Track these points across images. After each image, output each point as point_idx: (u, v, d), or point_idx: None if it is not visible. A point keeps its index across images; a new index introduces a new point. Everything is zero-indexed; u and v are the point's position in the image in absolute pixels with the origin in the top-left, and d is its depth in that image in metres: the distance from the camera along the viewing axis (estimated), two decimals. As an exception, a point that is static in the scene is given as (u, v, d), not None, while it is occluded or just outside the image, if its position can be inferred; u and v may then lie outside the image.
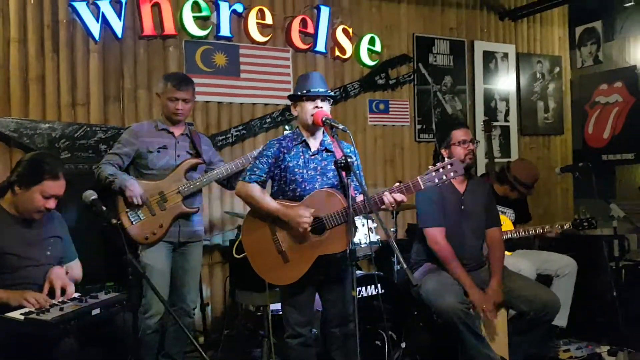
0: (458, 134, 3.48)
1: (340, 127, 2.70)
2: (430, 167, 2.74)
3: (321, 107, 2.84)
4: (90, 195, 2.50)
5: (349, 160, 2.63)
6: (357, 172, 2.75)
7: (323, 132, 2.95)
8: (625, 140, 6.17)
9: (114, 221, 2.44)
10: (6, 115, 3.91)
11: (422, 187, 2.71)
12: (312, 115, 2.83)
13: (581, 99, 6.64)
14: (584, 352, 3.79)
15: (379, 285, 3.82)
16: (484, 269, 3.58)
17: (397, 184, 2.74)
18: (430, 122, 5.77)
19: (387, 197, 2.71)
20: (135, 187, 3.27)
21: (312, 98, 2.84)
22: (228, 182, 3.67)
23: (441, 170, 2.68)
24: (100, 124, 4.19)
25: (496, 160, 5.46)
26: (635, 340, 3.95)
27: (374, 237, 4.09)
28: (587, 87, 6.58)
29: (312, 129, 2.91)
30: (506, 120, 6.30)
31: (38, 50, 4.04)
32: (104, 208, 2.48)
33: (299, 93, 2.87)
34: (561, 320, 3.93)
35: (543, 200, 6.47)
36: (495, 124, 6.11)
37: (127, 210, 3.30)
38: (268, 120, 4.85)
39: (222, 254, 4.72)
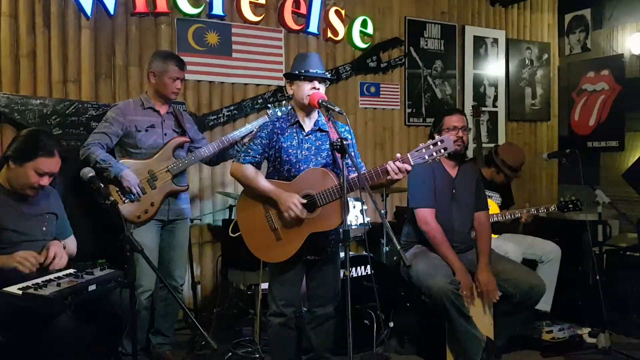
0: (450, 120, 3.53)
1: (337, 109, 2.71)
2: (420, 144, 2.75)
3: (318, 89, 2.86)
4: (89, 172, 2.51)
5: (344, 142, 2.65)
6: (352, 151, 2.78)
7: (318, 112, 2.97)
8: (610, 128, 6.26)
9: (111, 199, 2.44)
10: (-4, 91, 3.88)
11: (412, 163, 2.67)
12: (309, 96, 2.84)
13: (568, 86, 6.71)
14: (566, 334, 3.89)
15: (368, 266, 3.90)
16: (472, 252, 3.66)
17: (398, 155, 2.72)
18: (420, 106, 5.82)
19: (391, 166, 2.67)
20: (132, 177, 3.28)
21: (310, 79, 2.85)
22: (211, 160, 3.71)
23: (431, 147, 2.67)
24: (92, 101, 4.16)
25: (484, 145, 5.55)
26: (615, 323, 4.07)
27: (365, 219, 4.16)
28: (574, 75, 6.65)
29: (307, 109, 2.92)
30: (494, 106, 6.36)
31: (29, 25, 3.99)
32: (102, 185, 2.49)
33: (297, 72, 2.88)
34: (545, 305, 4.03)
35: (528, 186, 6.57)
36: (483, 109, 6.18)
37: (117, 189, 3.31)
38: (260, 100, 4.84)
39: (213, 233, 4.75)
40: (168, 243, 3.56)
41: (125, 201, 3.31)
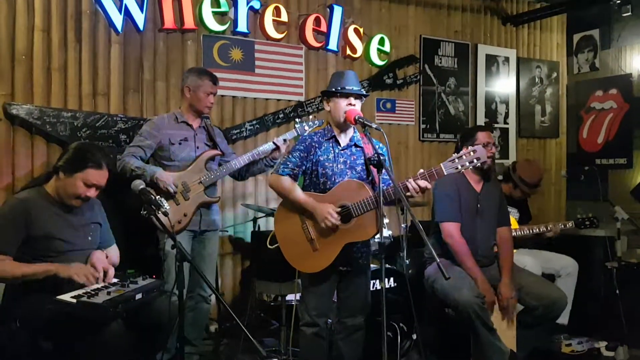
0: (483, 136, 3.63)
1: (374, 126, 2.81)
2: (453, 155, 2.84)
3: (354, 105, 2.95)
4: (140, 184, 2.60)
5: (381, 158, 2.74)
6: (388, 167, 2.87)
7: (353, 129, 3.07)
8: (618, 145, 6.39)
9: (165, 208, 2.53)
10: (29, 103, 3.96)
11: (445, 173, 2.77)
12: (345, 112, 2.94)
13: (577, 104, 6.85)
14: (585, 347, 3.97)
15: (391, 278, 3.99)
16: (494, 266, 3.73)
17: (421, 170, 2.83)
18: (434, 122, 5.93)
19: (411, 184, 2.78)
20: (166, 176, 3.39)
21: (346, 95, 2.95)
22: (239, 174, 3.81)
23: (464, 157, 2.77)
24: (121, 115, 4.26)
25: (496, 161, 5.65)
26: (632, 337, 4.15)
27: (386, 232, 4.25)
28: (583, 93, 6.79)
29: (343, 126, 3.01)
30: (505, 123, 6.48)
31: (61, 40, 4.09)
32: (154, 197, 2.57)
33: (334, 89, 2.97)
34: (563, 318, 4.11)
35: (537, 201, 6.65)
36: (495, 125, 6.31)
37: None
38: (281, 115, 4.96)
39: (234, 245, 4.82)
40: (199, 253, 3.64)
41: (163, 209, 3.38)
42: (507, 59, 6.46)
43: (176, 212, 3.45)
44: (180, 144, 3.57)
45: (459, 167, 2.78)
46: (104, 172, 2.71)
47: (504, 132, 6.47)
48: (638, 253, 5.38)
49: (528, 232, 4.36)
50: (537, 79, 6.71)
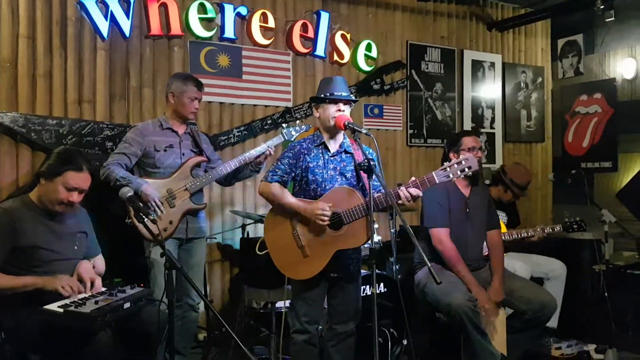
0: (468, 141, 3.64)
1: (364, 131, 2.81)
2: (445, 163, 2.86)
3: (343, 111, 2.95)
4: (127, 192, 2.56)
5: (371, 163, 2.75)
6: (378, 172, 2.87)
7: (343, 134, 3.06)
8: (603, 149, 6.45)
9: (152, 217, 2.49)
10: (13, 111, 3.91)
11: (437, 181, 2.81)
12: (334, 118, 2.93)
13: (562, 109, 6.91)
14: (574, 350, 3.98)
15: (381, 284, 3.97)
16: (484, 269, 3.74)
17: (413, 178, 2.85)
18: (421, 127, 5.95)
19: (403, 192, 2.81)
20: (151, 191, 3.32)
21: (335, 101, 2.94)
22: (225, 180, 3.77)
23: (456, 165, 2.80)
24: (107, 122, 4.22)
25: (483, 165, 5.68)
26: (620, 339, 4.18)
27: (376, 238, 4.23)
28: (567, 98, 6.85)
29: (332, 131, 3.00)
30: (492, 128, 6.52)
31: (46, 46, 4.05)
32: (141, 205, 2.54)
33: (322, 95, 2.97)
34: (552, 321, 4.12)
35: (524, 205, 6.67)
36: (482, 130, 6.34)
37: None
38: (269, 121, 4.94)
39: (222, 251, 4.78)
40: (185, 262, 3.56)
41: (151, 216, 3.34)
42: (492, 65, 6.50)
43: (162, 220, 3.36)
44: (165, 150, 3.51)
45: (451, 175, 2.81)
46: (84, 174, 2.65)
47: (491, 137, 6.51)
48: (625, 256, 5.42)
49: (517, 236, 4.37)
50: (522, 84, 6.77)
